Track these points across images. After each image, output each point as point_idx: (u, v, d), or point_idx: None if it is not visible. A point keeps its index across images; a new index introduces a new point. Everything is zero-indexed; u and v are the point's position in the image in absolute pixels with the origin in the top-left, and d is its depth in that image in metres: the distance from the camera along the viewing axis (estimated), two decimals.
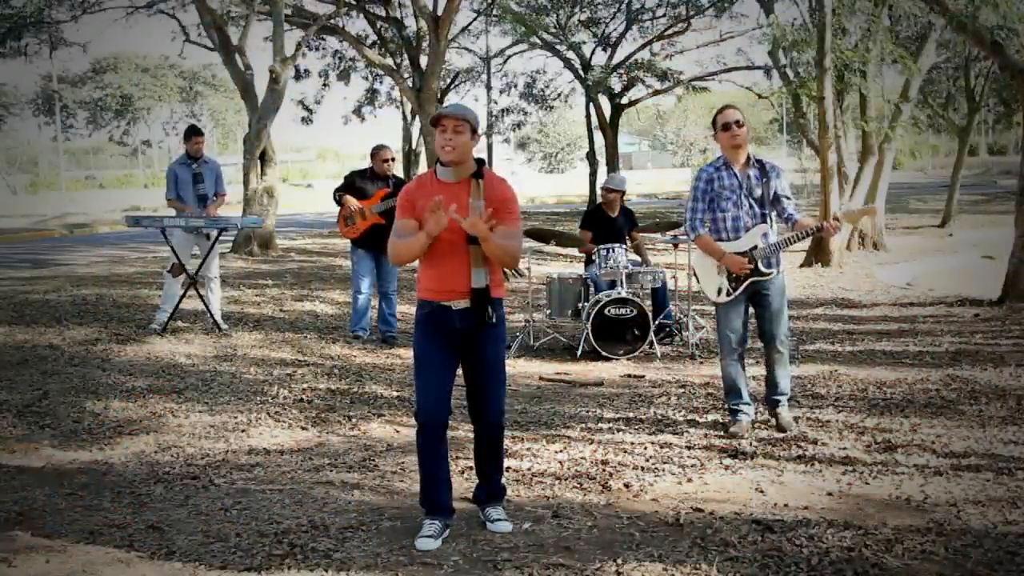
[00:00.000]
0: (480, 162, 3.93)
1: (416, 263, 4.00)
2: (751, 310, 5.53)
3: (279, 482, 4.69)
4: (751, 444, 5.20)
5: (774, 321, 5.43)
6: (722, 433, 5.44)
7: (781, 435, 5.33)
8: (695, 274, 5.70)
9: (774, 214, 5.38)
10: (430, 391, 3.91)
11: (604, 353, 7.71)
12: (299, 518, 4.15)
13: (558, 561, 3.64)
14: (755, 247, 5.32)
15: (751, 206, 5.33)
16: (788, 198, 5.36)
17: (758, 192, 5.32)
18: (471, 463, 4.38)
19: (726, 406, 5.64)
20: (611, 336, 7.74)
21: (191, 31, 19.37)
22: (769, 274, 5.34)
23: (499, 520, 4.03)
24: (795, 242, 5.42)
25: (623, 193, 8.68)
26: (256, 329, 8.94)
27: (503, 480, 4.21)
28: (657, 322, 8.21)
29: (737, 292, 5.40)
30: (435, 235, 3.80)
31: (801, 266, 14.09)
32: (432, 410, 3.91)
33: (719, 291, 5.45)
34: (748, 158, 5.37)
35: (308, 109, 23.52)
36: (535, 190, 38.70)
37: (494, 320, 3.90)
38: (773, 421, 5.53)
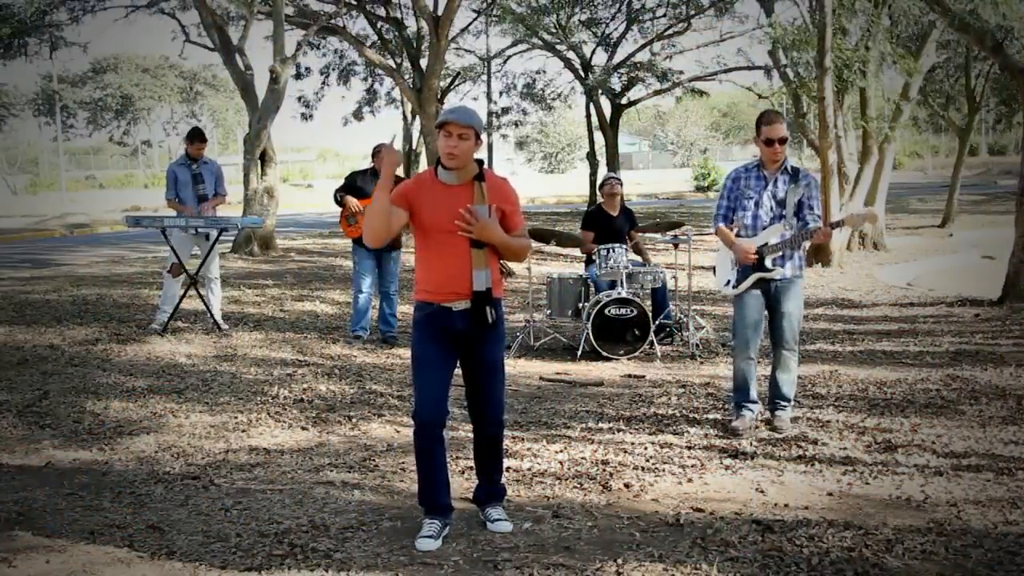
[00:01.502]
0: (480, 163, 3.93)
1: (413, 263, 4.00)
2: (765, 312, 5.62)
3: (279, 482, 4.69)
4: (751, 444, 5.20)
5: (782, 324, 5.48)
6: (722, 433, 5.44)
7: (780, 436, 5.33)
8: (714, 269, 5.78)
9: (795, 220, 5.42)
10: (429, 392, 3.90)
11: (604, 353, 7.71)
12: (299, 518, 4.15)
13: (558, 561, 3.64)
14: (765, 244, 5.39)
15: (772, 207, 5.43)
16: (812, 208, 5.41)
17: (782, 195, 5.41)
18: (471, 463, 4.38)
19: (732, 401, 5.68)
20: (611, 336, 7.73)
21: (191, 31, 19.39)
22: (772, 271, 5.39)
23: (499, 520, 4.03)
24: (795, 244, 5.41)
25: (621, 184, 8.70)
26: (256, 329, 8.94)
27: (503, 480, 4.21)
28: (657, 322, 8.20)
29: (742, 286, 5.48)
30: (388, 176, 3.77)
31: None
32: (431, 411, 3.90)
33: (728, 282, 5.58)
34: (784, 164, 5.45)
35: (307, 105, 23.54)
36: (535, 190, 38.68)
37: (496, 321, 3.90)
38: (768, 423, 5.54)
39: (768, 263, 5.40)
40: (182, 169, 8.67)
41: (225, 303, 9.76)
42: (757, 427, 5.52)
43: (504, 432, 4.21)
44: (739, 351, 5.54)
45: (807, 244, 5.48)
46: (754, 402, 5.56)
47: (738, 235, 5.50)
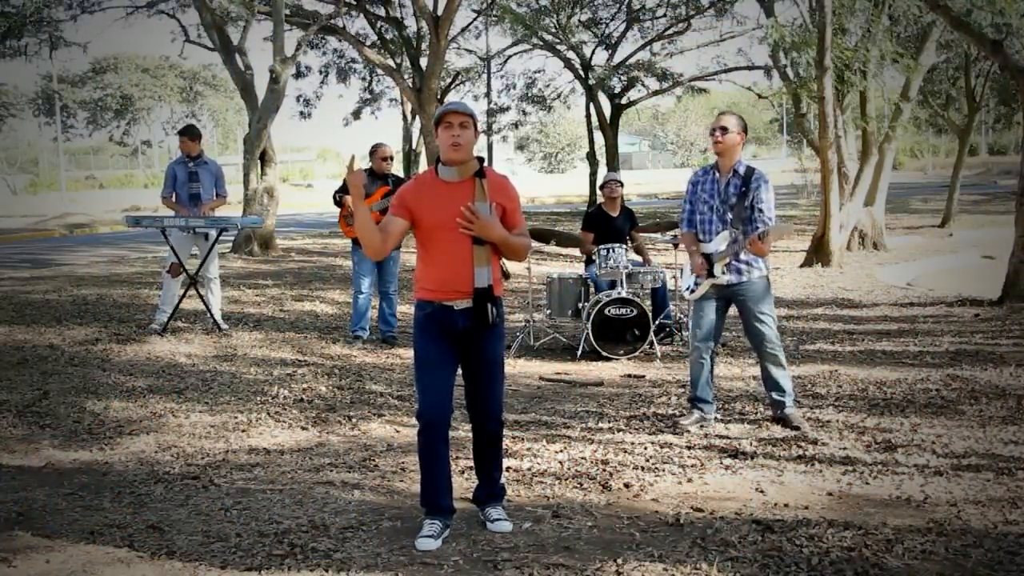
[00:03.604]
0: (480, 160, 3.93)
1: (414, 262, 4.00)
2: (729, 313, 5.70)
3: (279, 482, 4.69)
4: (751, 444, 5.20)
5: (756, 326, 5.52)
6: (722, 433, 5.45)
7: (794, 432, 5.35)
8: (681, 270, 5.86)
9: (744, 224, 5.42)
10: (432, 391, 3.90)
11: (604, 353, 7.71)
12: (299, 518, 4.15)
13: (558, 561, 3.64)
14: (717, 251, 5.44)
15: (723, 212, 5.45)
16: (762, 211, 5.39)
17: (732, 200, 5.43)
18: (471, 463, 4.37)
19: (687, 396, 5.80)
20: (611, 336, 7.74)
21: (191, 31, 19.41)
22: (718, 278, 5.46)
23: (499, 520, 4.02)
24: (740, 250, 5.38)
25: (622, 186, 8.72)
26: (256, 329, 8.94)
27: (503, 480, 4.21)
28: (657, 322, 8.20)
29: (696, 292, 5.59)
30: (357, 194, 3.77)
31: (801, 266, 14.09)
32: (435, 410, 3.90)
33: (687, 288, 5.72)
34: (734, 167, 5.43)
35: (307, 103, 23.57)
36: (535, 190, 38.66)
37: (496, 319, 3.89)
38: (780, 422, 5.54)
39: (717, 271, 5.45)
40: (180, 167, 8.68)
41: (225, 303, 9.76)
42: (758, 427, 5.53)
43: (504, 431, 4.21)
44: (692, 352, 5.68)
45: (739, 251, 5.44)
46: (706, 402, 5.64)
47: (700, 240, 5.55)
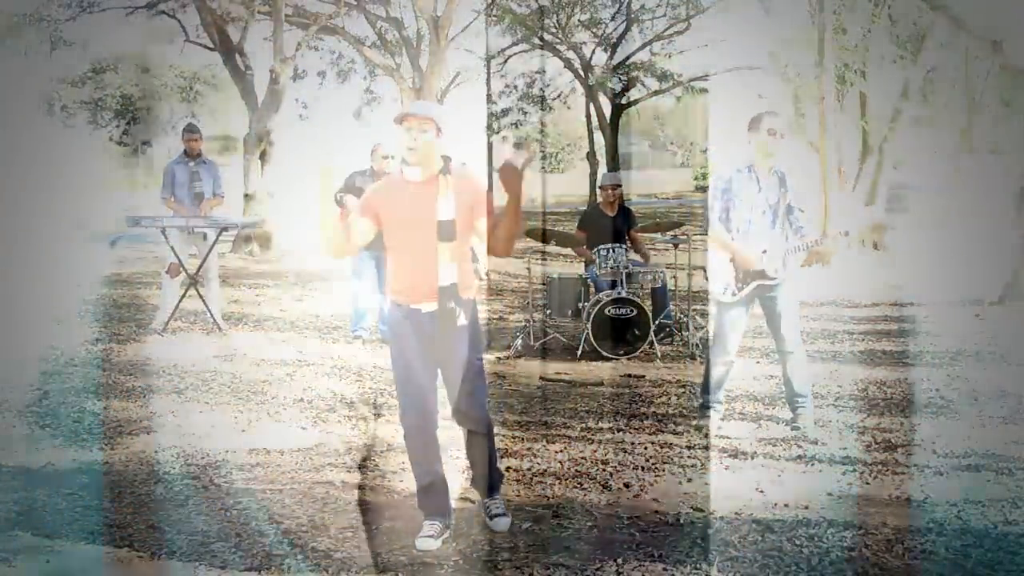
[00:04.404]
0: (447, 159, 3.86)
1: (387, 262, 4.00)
2: (751, 315, 5.63)
3: (279, 482, 4.69)
4: (751, 444, 5.20)
5: (781, 322, 5.48)
6: (722, 433, 5.45)
7: (794, 432, 5.35)
8: (704, 270, 5.75)
9: (787, 223, 5.43)
10: (412, 401, 3.86)
11: (604, 353, 7.70)
12: (299, 518, 4.15)
13: (558, 561, 3.64)
14: (764, 251, 5.36)
15: (764, 212, 5.41)
16: (802, 210, 5.42)
17: (774, 199, 5.40)
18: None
19: (701, 400, 5.76)
20: (611, 336, 7.73)
21: (191, 31, 19.41)
22: (774, 278, 5.41)
23: (499, 516, 4.02)
24: (797, 252, 5.43)
25: (619, 187, 8.72)
26: (256, 329, 8.94)
27: (499, 466, 4.19)
28: (657, 322, 8.20)
29: (742, 293, 5.44)
30: (327, 191, 3.88)
31: (801, 266, 14.06)
32: (416, 418, 3.87)
33: (725, 289, 5.49)
34: (774, 168, 5.43)
35: (305, 106, 23.65)
36: (534, 190, 38.58)
37: (463, 321, 3.81)
38: (791, 423, 5.53)
39: (770, 271, 5.40)
40: (180, 167, 8.67)
41: (225, 303, 9.75)
42: (757, 427, 5.53)
43: (492, 429, 4.13)
44: (718, 354, 5.57)
45: (804, 253, 5.47)
46: (719, 403, 5.64)
47: (732, 240, 5.48)
